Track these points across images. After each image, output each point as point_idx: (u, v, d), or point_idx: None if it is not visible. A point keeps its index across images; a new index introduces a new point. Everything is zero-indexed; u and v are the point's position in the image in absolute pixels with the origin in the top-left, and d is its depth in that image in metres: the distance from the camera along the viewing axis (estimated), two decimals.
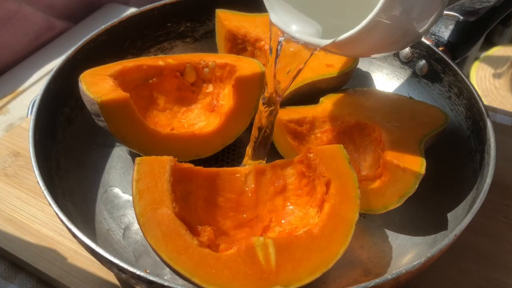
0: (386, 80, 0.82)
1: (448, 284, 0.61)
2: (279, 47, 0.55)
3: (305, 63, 0.55)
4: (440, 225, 0.62)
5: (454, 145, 0.69)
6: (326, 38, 0.51)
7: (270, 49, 0.57)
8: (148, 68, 0.69)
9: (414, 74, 0.78)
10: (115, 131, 0.62)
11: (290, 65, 0.56)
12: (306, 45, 0.54)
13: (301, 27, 0.55)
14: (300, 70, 0.57)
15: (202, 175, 0.60)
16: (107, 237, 0.61)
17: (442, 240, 0.52)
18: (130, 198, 0.66)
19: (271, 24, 0.55)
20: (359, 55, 0.70)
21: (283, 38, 0.55)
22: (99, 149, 0.72)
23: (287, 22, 0.55)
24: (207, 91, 0.73)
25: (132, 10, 0.99)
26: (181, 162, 0.58)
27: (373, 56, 0.74)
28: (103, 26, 0.74)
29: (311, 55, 0.54)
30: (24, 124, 0.77)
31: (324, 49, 0.53)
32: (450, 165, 0.68)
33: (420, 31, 0.52)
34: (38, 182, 0.55)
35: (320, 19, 0.56)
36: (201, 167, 0.60)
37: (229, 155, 0.73)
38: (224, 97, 0.72)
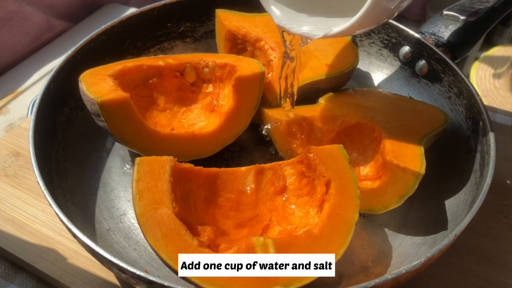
0: (386, 80, 0.82)
1: (448, 284, 0.61)
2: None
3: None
4: (440, 225, 0.62)
5: (454, 145, 0.69)
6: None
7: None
8: (148, 68, 0.69)
9: (414, 74, 0.78)
10: (115, 131, 0.62)
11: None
12: (304, 37, 0.60)
13: (298, 22, 0.60)
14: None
15: (202, 175, 0.60)
16: (107, 237, 0.61)
17: (442, 240, 0.52)
18: (130, 198, 0.66)
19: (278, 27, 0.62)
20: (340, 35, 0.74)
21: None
22: (99, 149, 0.72)
23: (285, 19, 0.61)
24: (207, 91, 0.73)
25: (132, 10, 0.99)
26: (181, 162, 0.58)
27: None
28: (103, 26, 0.74)
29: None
30: (24, 124, 0.77)
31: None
32: (450, 165, 0.68)
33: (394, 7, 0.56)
34: (38, 182, 0.55)
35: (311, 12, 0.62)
36: (201, 167, 0.60)
37: (229, 155, 0.73)
38: (224, 97, 0.72)
